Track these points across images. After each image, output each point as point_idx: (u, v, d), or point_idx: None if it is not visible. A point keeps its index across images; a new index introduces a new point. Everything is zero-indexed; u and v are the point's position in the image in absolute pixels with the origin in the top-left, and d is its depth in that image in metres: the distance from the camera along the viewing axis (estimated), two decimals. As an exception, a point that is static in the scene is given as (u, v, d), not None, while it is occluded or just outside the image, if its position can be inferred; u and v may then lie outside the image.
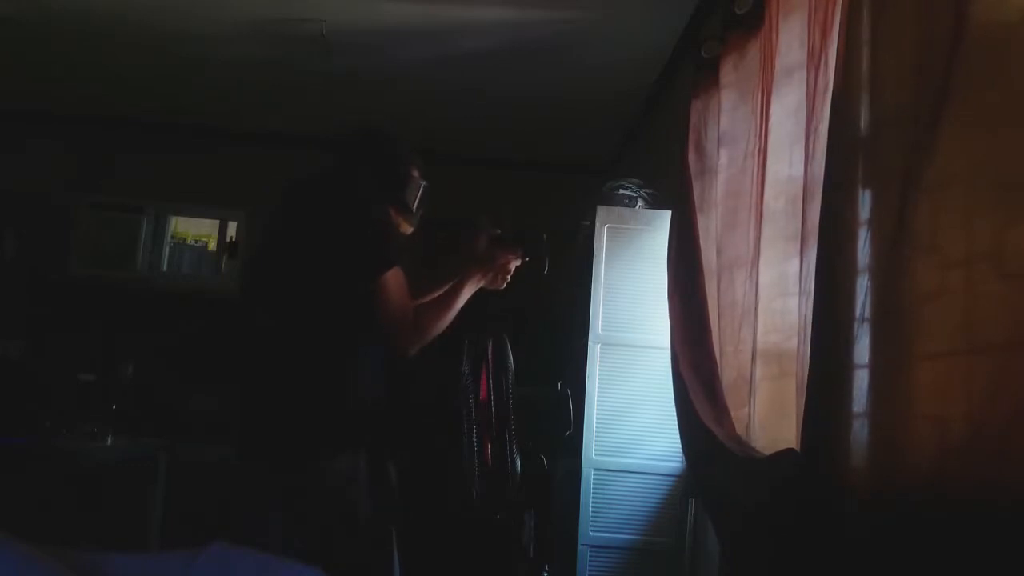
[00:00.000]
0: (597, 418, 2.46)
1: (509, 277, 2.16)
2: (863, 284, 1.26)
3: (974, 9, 1.09)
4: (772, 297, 1.76)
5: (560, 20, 2.85)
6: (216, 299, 3.69)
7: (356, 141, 2.07)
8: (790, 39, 1.76)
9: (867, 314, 1.25)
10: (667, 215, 2.41)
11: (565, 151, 4.24)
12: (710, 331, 2.02)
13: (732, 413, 1.88)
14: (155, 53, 3.31)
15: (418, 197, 2.06)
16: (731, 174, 2.03)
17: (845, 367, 1.26)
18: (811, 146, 1.51)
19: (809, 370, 1.36)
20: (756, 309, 1.80)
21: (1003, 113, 1.08)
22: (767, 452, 1.63)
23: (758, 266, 1.80)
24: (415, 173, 2.07)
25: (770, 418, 1.72)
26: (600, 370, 2.48)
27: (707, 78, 2.21)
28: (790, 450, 1.46)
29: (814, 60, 1.54)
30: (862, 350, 1.26)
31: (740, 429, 1.83)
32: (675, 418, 2.18)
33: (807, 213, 1.51)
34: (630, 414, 2.46)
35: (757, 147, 1.85)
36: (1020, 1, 1.07)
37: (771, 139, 1.81)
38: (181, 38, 3.14)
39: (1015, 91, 1.06)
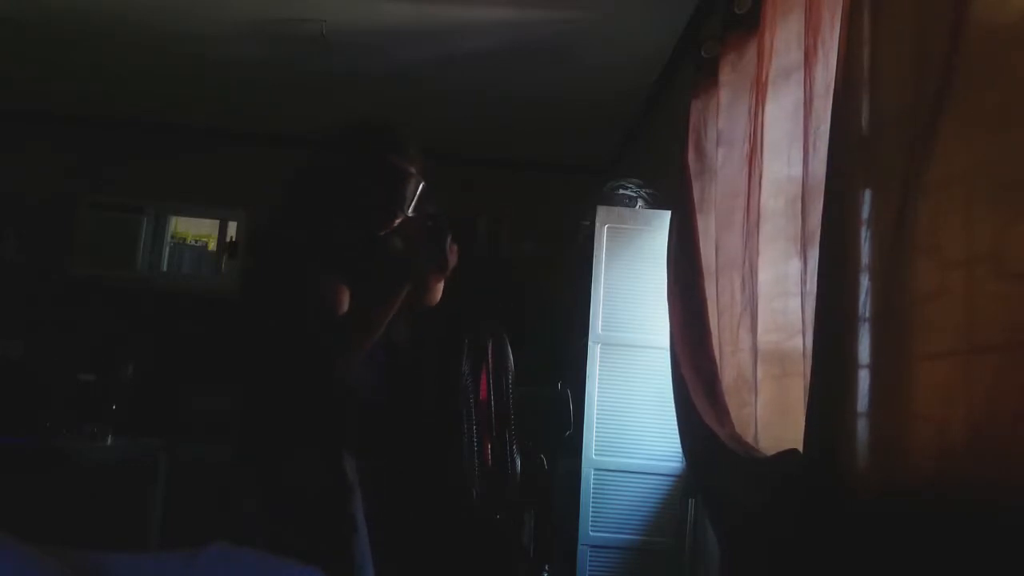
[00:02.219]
0: (597, 418, 2.46)
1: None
2: (864, 284, 1.26)
3: (974, 9, 1.09)
4: (773, 296, 1.76)
5: (560, 20, 2.85)
6: (216, 299, 3.69)
7: (353, 138, 2.04)
8: (788, 39, 1.76)
9: (867, 314, 1.25)
10: (667, 215, 2.41)
11: (565, 151, 4.24)
12: (710, 331, 2.02)
13: (733, 413, 1.88)
14: (155, 53, 3.31)
15: (416, 195, 1.99)
16: (728, 174, 2.03)
17: (848, 367, 1.26)
18: (810, 146, 1.51)
19: (811, 370, 1.36)
20: (756, 309, 1.80)
21: (1003, 113, 1.08)
22: (770, 452, 1.63)
23: (756, 266, 1.80)
24: (412, 170, 2.00)
25: (773, 418, 1.72)
26: (600, 370, 2.48)
27: (707, 78, 2.21)
28: (792, 451, 1.46)
29: (811, 60, 1.54)
30: (863, 350, 1.25)
31: (743, 429, 1.82)
32: (675, 418, 2.18)
33: (807, 213, 1.51)
34: (630, 414, 2.46)
35: (752, 147, 1.85)
36: (1020, 1, 1.07)
37: (769, 139, 1.81)
38: (181, 38, 3.14)
39: (1015, 91, 1.06)
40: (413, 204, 1.98)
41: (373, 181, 1.96)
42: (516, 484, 2.31)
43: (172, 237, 3.96)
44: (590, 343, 2.49)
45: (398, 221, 2.01)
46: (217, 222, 3.99)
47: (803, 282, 1.52)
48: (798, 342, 1.53)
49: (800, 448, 1.41)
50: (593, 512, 2.43)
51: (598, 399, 2.47)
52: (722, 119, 2.09)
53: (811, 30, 1.56)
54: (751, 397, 1.80)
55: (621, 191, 2.68)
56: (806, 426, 1.35)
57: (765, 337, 1.76)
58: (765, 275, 1.78)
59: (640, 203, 2.67)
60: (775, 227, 1.77)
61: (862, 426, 1.25)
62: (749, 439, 1.78)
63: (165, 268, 3.92)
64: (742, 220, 1.89)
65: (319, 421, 1.90)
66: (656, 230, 2.49)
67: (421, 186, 2.00)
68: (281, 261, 1.92)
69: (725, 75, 2.10)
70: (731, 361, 1.92)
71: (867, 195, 1.30)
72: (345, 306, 1.87)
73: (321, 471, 1.88)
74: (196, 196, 3.99)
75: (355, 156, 1.99)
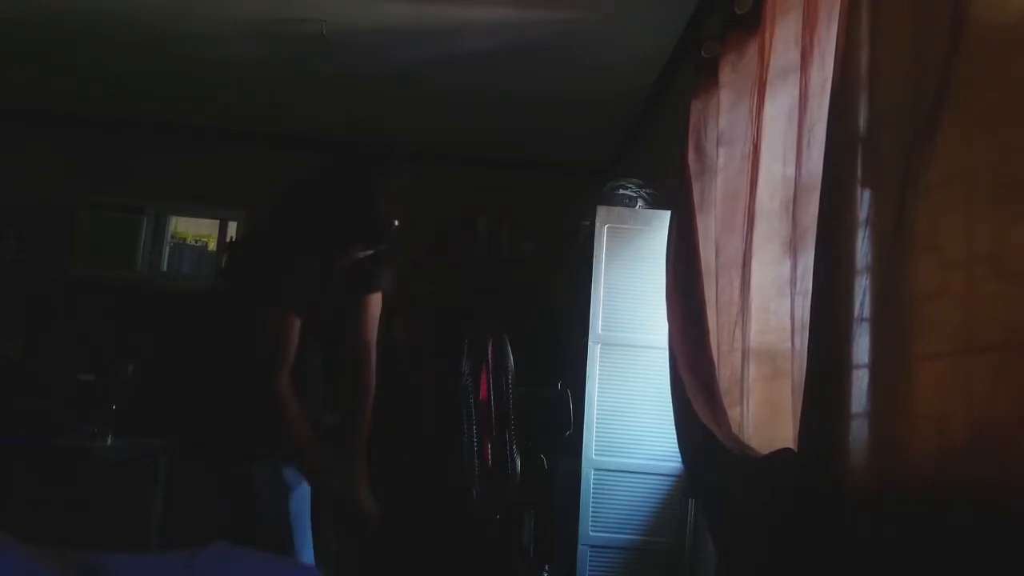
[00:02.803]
0: (597, 418, 2.46)
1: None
2: (862, 284, 1.26)
3: (974, 9, 1.09)
4: (769, 297, 1.76)
5: (560, 20, 2.85)
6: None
7: (333, 166, 2.02)
8: (786, 39, 1.76)
9: (866, 314, 1.25)
10: (667, 215, 2.41)
11: (565, 151, 4.24)
12: (708, 332, 2.02)
13: (728, 413, 1.88)
14: (155, 53, 3.31)
15: (384, 237, 1.99)
16: (728, 174, 2.03)
17: (843, 367, 1.26)
18: (804, 145, 1.51)
19: (807, 370, 1.35)
20: (749, 309, 1.80)
21: (1003, 113, 1.08)
22: (762, 451, 1.63)
23: (751, 266, 1.80)
24: (392, 203, 1.96)
25: (765, 418, 1.72)
26: (600, 370, 2.48)
27: (707, 78, 2.21)
28: (787, 449, 1.46)
29: (808, 59, 1.54)
30: (861, 350, 1.25)
31: (736, 428, 1.83)
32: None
33: (798, 213, 1.51)
34: (630, 414, 2.46)
35: (753, 147, 1.85)
36: (1020, 1, 1.07)
37: (766, 139, 1.81)
38: (181, 38, 3.14)
39: (1015, 91, 1.06)
40: (386, 237, 1.99)
41: (352, 216, 1.95)
42: (516, 484, 2.31)
43: (172, 237, 3.96)
44: (590, 343, 2.49)
45: (369, 253, 2.02)
46: (217, 222, 3.99)
47: (792, 282, 1.52)
48: (790, 343, 1.53)
49: (792, 446, 1.41)
50: (593, 512, 2.43)
51: (598, 399, 2.46)
52: (722, 119, 2.09)
53: (808, 28, 1.56)
54: (742, 397, 1.80)
55: (621, 191, 2.68)
56: (801, 426, 1.35)
57: (761, 338, 1.76)
58: (762, 276, 1.78)
59: (640, 203, 2.66)
60: (770, 227, 1.77)
61: (862, 426, 1.25)
62: (742, 438, 1.78)
63: (165, 268, 3.92)
64: (742, 220, 1.89)
65: (252, 429, 1.96)
66: (656, 230, 2.49)
67: (392, 227, 1.98)
68: (242, 278, 1.94)
69: (725, 75, 2.10)
70: (727, 361, 1.93)
71: (866, 194, 1.30)
72: (288, 334, 1.90)
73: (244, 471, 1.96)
74: (196, 196, 4.00)
75: (337, 188, 1.97)
